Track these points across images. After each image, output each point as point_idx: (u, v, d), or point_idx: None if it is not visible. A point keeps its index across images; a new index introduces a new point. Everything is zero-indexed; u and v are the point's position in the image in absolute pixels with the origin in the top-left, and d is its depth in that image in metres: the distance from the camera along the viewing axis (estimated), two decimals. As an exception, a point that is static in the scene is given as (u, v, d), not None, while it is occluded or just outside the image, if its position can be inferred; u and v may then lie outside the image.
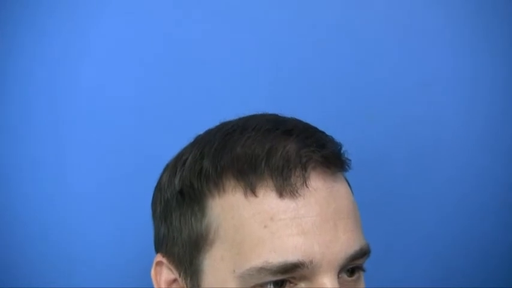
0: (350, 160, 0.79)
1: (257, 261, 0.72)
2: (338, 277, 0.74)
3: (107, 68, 1.03)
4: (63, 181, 1.03)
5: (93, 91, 1.03)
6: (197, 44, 1.06)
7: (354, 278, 0.76)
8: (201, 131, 0.83)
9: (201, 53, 1.06)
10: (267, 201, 0.74)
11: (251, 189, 0.74)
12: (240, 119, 0.81)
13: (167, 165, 0.83)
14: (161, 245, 0.81)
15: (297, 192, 0.74)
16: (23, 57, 1.02)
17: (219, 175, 0.76)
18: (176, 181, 0.79)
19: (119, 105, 1.04)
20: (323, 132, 0.80)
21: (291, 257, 0.72)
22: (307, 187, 0.74)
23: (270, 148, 0.75)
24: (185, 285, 0.78)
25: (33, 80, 1.02)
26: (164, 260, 0.80)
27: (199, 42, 1.06)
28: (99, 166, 1.04)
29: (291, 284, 0.74)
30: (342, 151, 0.79)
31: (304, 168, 0.74)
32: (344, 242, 0.74)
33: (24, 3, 1.01)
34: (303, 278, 0.74)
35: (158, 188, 0.82)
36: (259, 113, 0.82)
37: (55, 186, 1.03)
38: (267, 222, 0.73)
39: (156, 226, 0.82)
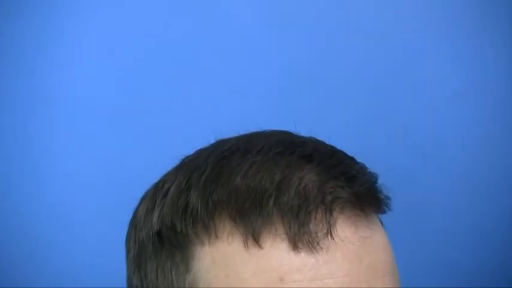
0: (390, 198, 0.59)
1: None
2: None
3: (100, 70, 1.03)
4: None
5: (84, 94, 1.03)
6: (195, 47, 1.04)
7: None
8: (193, 147, 0.66)
9: (200, 56, 1.04)
10: (276, 254, 0.56)
11: (254, 237, 0.56)
12: (242, 137, 0.63)
13: (145, 194, 0.65)
14: None
15: (318, 243, 0.56)
16: (17, 56, 1.02)
17: (211, 215, 0.58)
18: (154, 218, 0.61)
19: (110, 109, 1.03)
20: (352, 159, 0.62)
21: None
22: (333, 237, 0.56)
23: (282, 180, 0.57)
24: None
25: (25, 81, 1.02)
26: None
27: (197, 44, 1.04)
28: (92, 171, 1.04)
29: None
30: (378, 186, 0.60)
31: (329, 210, 0.56)
32: None
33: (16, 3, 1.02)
34: None
35: (133, 223, 0.65)
36: (267, 129, 0.64)
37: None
38: (275, 285, 0.55)
39: (128, 272, 0.65)
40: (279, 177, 0.57)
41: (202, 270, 0.57)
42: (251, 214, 0.56)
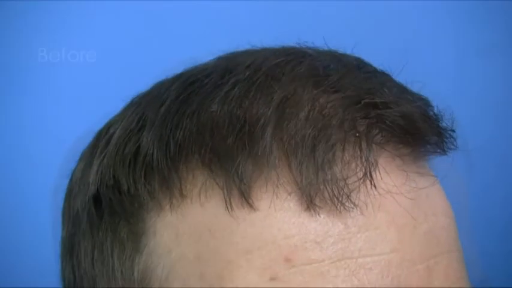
0: (454, 131, 0.38)
1: None
2: None
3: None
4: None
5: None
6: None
7: None
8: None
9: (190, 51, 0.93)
10: (279, 218, 0.34)
11: (242, 192, 0.35)
12: (222, 57, 0.42)
13: (85, 149, 0.45)
14: None
15: (348, 197, 0.34)
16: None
17: (173, 162, 0.37)
18: (91, 177, 0.41)
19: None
20: (386, 74, 0.40)
21: None
22: (374, 185, 0.34)
23: (285, 99, 0.36)
24: None
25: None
26: None
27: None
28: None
29: None
30: (434, 109, 0.38)
31: (366, 140, 0.34)
32: None
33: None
34: None
35: (69, 189, 0.44)
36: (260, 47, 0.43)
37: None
38: (277, 269, 0.34)
39: (61, 259, 0.45)
40: (280, 96, 0.35)
41: (161, 249, 0.37)
42: (237, 155, 0.35)
